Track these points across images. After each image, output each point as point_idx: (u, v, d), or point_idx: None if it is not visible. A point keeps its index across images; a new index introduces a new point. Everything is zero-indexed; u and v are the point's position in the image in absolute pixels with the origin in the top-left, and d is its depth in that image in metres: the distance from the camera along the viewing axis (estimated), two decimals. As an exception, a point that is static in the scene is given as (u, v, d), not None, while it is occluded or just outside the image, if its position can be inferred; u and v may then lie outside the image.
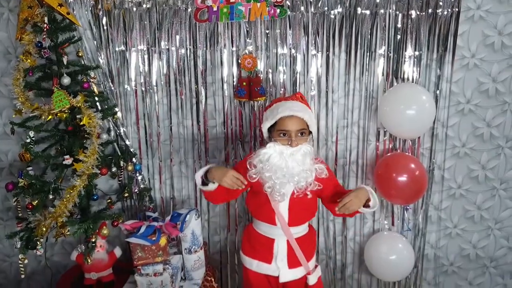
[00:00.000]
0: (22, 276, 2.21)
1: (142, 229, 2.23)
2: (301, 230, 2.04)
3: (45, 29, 2.09)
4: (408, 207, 2.63)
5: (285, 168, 1.81)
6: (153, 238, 2.19)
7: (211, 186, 1.90)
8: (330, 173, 2.04)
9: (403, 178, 2.35)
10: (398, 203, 2.57)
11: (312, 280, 2.05)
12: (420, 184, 2.40)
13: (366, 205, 1.92)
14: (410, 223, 2.67)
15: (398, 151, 2.56)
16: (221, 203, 2.21)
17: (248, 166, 1.91)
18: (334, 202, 1.93)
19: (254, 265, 2.08)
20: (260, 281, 2.08)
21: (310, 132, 1.93)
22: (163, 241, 2.22)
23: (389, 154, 2.54)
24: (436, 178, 2.61)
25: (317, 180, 1.91)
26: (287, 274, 2.02)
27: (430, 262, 2.76)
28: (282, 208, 1.96)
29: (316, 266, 2.12)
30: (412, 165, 2.39)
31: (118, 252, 2.42)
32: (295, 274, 2.03)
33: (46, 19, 2.10)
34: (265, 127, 1.95)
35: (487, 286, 2.82)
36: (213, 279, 2.45)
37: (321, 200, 2.10)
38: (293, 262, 2.01)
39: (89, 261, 2.27)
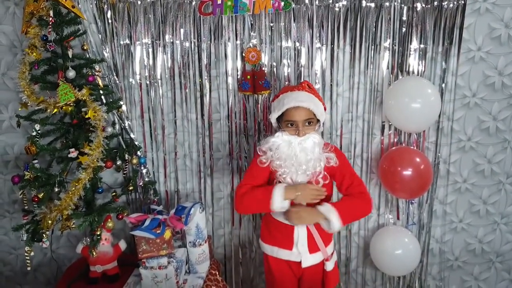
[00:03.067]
0: (28, 268, 2.22)
1: (147, 222, 2.24)
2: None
3: (50, 23, 2.10)
4: (413, 201, 2.61)
5: (294, 157, 1.86)
6: (157, 231, 2.20)
7: (286, 204, 1.89)
8: (344, 162, 2.03)
9: (408, 172, 2.34)
10: (403, 197, 2.55)
11: (330, 266, 2.08)
12: (425, 178, 2.38)
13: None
14: (415, 218, 2.66)
15: (403, 145, 2.55)
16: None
17: (258, 151, 1.96)
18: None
19: (275, 251, 2.10)
20: (281, 267, 2.10)
21: (318, 121, 1.95)
22: (167, 234, 2.22)
23: (394, 148, 2.53)
24: (442, 172, 2.60)
25: (327, 169, 1.94)
26: (308, 259, 2.05)
27: (435, 257, 2.75)
28: None
29: (332, 253, 2.13)
30: (417, 159, 2.38)
31: (123, 245, 2.42)
32: (316, 258, 2.06)
33: (51, 12, 2.10)
34: (273, 117, 1.98)
35: (493, 281, 2.80)
36: (217, 273, 2.46)
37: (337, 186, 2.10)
38: (313, 247, 2.04)
39: (94, 254, 2.28)
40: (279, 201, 1.86)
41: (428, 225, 2.67)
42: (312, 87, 2.02)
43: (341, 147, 2.58)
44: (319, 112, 1.91)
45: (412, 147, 2.53)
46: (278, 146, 1.88)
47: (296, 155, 1.86)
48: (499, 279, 2.80)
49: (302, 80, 2.47)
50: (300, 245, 2.03)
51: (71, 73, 2.14)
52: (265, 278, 2.24)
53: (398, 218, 2.67)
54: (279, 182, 1.96)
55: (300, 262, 2.05)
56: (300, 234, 2.02)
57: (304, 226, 2.01)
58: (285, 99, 1.90)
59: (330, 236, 2.14)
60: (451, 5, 2.34)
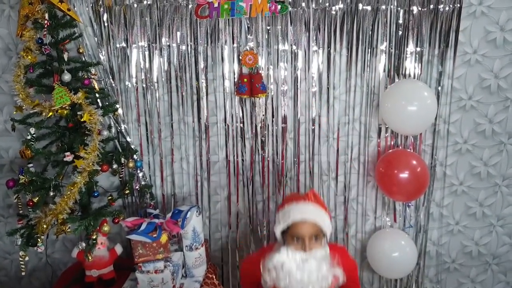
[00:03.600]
0: (23, 273, 2.21)
1: (143, 226, 2.22)
2: None
3: (45, 26, 2.09)
4: (410, 204, 2.61)
5: (300, 276, 1.76)
6: (154, 235, 2.19)
7: None
8: (353, 270, 1.98)
9: (404, 175, 2.34)
10: (399, 200, 2.56)
11: None
12: (422, 181, 2.39)
13: None
14: (412, 220, 2.66)
15: (400, 147, 2.56)
16: None
17: (262, 270, 1.86)
18: None
19: None
20: None
21: (324, 235, 1.86)
22: (164, 238, 2.21)
23: (390, 150, 2.53)
24: (438, 174, 2.60)
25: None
26: None
27: (432, 259, 2.76)
28: None
29: None
30: (414, 162, 2.38)
31: (119, 249, 2.40)
32: None
33: (46, 15, 2.09)
34: (277, 230, 1.89)
35: (490, 283, 2.81)
36: (214, 276, 2.45)
37: None
38: None
39: (90, 258, 2.26)
40: None
41: (425, 227, 2.67)
42: (317, 196, 1.96)
43: (338, 150, 2.58)
44: (326, 226, 1.84)
45: (408, 150, 2.53)
46: (283, 264, 1.78)
47: (302, 274, 1.75)
48: (496, 281, 2.80)
49: (299, 83, 2.48)
50: None
51: (67, 77, 2.13)
52: None
53: (395, 221, 2.68)
54: None
55: None
56: None
57: None
58: (291, 211, 1.83)
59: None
60: (447, 8, 2.35)
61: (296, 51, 2.44)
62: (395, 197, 2.52)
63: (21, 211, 2.24)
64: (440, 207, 2.66)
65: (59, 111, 2.10)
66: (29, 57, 2.11)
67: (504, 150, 2.57)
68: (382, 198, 2.65)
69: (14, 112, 2.12)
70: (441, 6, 2.35)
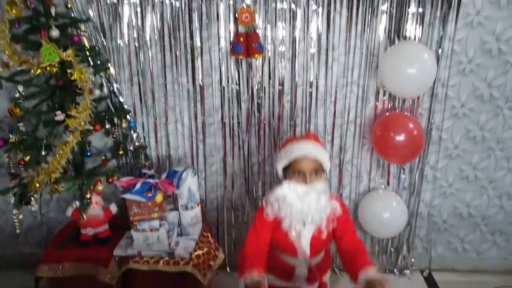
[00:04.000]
0: (18, 231, 2.22)
1: (138, 186, 2.22)
2: (320, 256, 2.07)
3: (30, -22, 1.98)
4: (404, 166, 2.63)
5: (300, 207, 1.84)
6: (149, 195, 2.19)
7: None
8: (347, 217, 2.01)
9: (400, 138, 2.34)
10: (394, 162, 2.57)
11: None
12: (418, 144, 2.39)
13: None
14: (406, 182, 2.69)
15: (397, 110, 2.53)
16: None
17: (264, 204, 1.92)
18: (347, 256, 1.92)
19: (271, 279, 2.03)
20: None
21: (324, 170, 1.93)
22: (159, 197, 2.22)
23: (387, 113, 2.51)
24: (434, 138, 2.60)
25: (331, 219, 1.92)
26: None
27: (423, 220, 2.81)
28: (305, 246, 1.96)
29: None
30: (410, 125, 2.37)
31: (113, 208, 2.42)
32: (314, 286, 2.07)
33: (32, -33, 1.97)
34: (279, 167, 1.96)
35: (477, 243, 2.89)
36: (209, 235, 2.48)
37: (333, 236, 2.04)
38: (312, 279, 2.04)
39: (84, 217, 2.27)
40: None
41: (418, 189, 2.70)
42: (317, 138, 2.03)
43: (335, 112, 2.55)
44: (326, 162, 1.90)
45: (406, 113, 2.52)
46: (285, 196, 1.86)
47: (303, 204, 1.84)
48: (484, 241, 2.88)
49: (297, 44, 2.41)
50: (299, 280, 2.04)
51: (55, 33, 2.04)
52: None
53: (388, 183, 2.70)
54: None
55: None
56: (301, 273, 2.02)
57: (305, 267, 2.01)
58: (294, 149, 1.89)
59: (329, 267, 2.17)
60: (452, -33, 2.26)
61: (294, 9, 2.35)
62: (390, 160, 2.53)
63: (12, 171, 2.22)
64: (434, 170, 2.69)
65: (48, 68, 2.03)
66: (14, 11, 2.00)
67: (500, 114, 2.56)
68: (377, 160, 2.67)
69: (0, 69, 2.04)
70: (445, -35, 2.26)
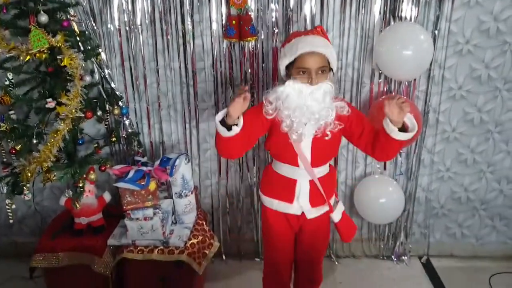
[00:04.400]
0: (11, 221, 2.20)
1: (131, 174, 2.19)
2: (323, 169, 1.97)
3: (17, -39, 1.94)
4: (401, 151, 2.59)
5: (305, 106, 1.72)
6: (142, 183, 2.16)
7: (235, 129, 1.71)
8: (357, 112, 1.93)
9: (397, 121, 2.30)
10: (391, 146, 2.53)
11: (337, 217, 2.03)
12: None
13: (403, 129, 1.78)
14: (403, 167, 2.66)
15: (393, 93, 2.49)
16: (238, 156, 2.02)
17: (264, 101, 1.81)
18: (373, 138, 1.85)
19: (274, 204, 2.02)
20: (280, 219, 2.04)
21: (331, 69, 1.81)
22: (152, 185, 2.19)
23: (383, 96, 2.47)
24: (431, 121, 2.57)
25: (339, 119, 1.81)
26: (311, 212, 1.99)
27: (421, 205, 2.79)
28: (305, 149, 1.86)
29: (337, 202, 2.07)
30: (407, 108, 2.33)
31: (107, 196, 2.40)
32: (318, 211, 2.00)
33: (18, -51, 1.94)
34: (282, 64, 1.81)
35: (476, 228, 2.86)
36: (204, 223, 2.47)
37: (352, 140, 1.96)
38: (315, 200, 1.97)
39: (77, 206, 2.26)
40: (220, 126, 1.70)
41: (416, 174, 2.67)
42: (325, 32, 1.86)
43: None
44: (333, 59, 1.78)
45: (402, 96, 2.47)
46: (287, 95, 1.73)
47: (306, 104, 1.72)
48: (482, 226, 2.85)
49: (291, 26, 2.36)
50: (302, 198, 1.96)
51: (43, 18, 2.00)
52: (262, 228, 2.19)
53: (385, 168, 2.67)
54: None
55: (299, 216, 2.00)
56: (302, 187, 1.95)
57: (307, 179, 1.93)
58: (299, 44, 1.74)
59: (333, 188, 2.08)
60: None
61: (288, -10, 2.31)
62: (386, 144, 2.49)
63: (5, 159, 2.20)
64: (432, 154, 2.65)
65: (37, 55, 2.00)
66: (2, -4, 1.97)
67: (499, 96, 2.52)
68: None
69: (-11, 56, 2.02)
70: None
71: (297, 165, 1.91)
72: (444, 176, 2.72)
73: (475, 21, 2.36)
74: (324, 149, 1.89)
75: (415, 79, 2.46)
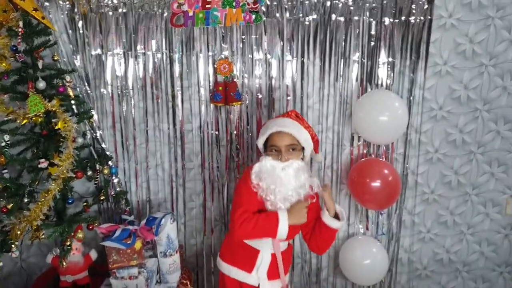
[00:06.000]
0: (-3, 279, 2.22)
1: (117, 233, 2.23)
2: (285, 244, 2.07)
3: (20, 33, 2.10)
4: (382, 212, 2.66)
5: (279, 182, 1.85)
6: (128, 242, 2.20)
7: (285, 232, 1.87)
8: (318, 204, 2.07)
9: (376, 184, 2.39)
10: (371, 208, 2.60)
11: None
12: (393, 190, 2.43)
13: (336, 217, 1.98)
14: (384, 228, 2.70)
15: (372, 156, 2.60)
16: None
17: (251, 176, 1.93)
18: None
19: (232, 272, 2.09)
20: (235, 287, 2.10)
21: (303, 148, 1.95)
22: (138, 244, 2.23)
23: (362, 159, 2.57)
24: (410, 183, 2.65)
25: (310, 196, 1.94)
26: (266, 286, 2.03)
27: (404, 266, 2.80)
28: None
29: (287, 285, 2.13)
30: (386, 171, 2.42)
31: (93, 254, 2.41)
32: (273, 286, 2.05)
33: (21, 23, 2.09)
34: (259, 143, 2.00)
35: (460, 290, 2.87)
36: (188, 282, 2.46)
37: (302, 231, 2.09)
38: (272, 274, 2.03)
39: (64, 264, 2.27)
40: (284, 228, 1.84)
41: (397, 235, 2.71)
42: (299, 115, 2.05)
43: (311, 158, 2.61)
44: (303, 138, 1.91)
45: (380, 159, 2.58)
46: (264, 173, 1.88)
47: (282, 181, 1.85)
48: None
49: (273, 92, 2.51)
50: (261, 270, 2.02)
51: (41, 84, 2.14)
52: None
53: (367, 229, 2.72)
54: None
55: (256, 287, 2.05)
56: (264, 258, 2.02)
57: (269, 251, 2.01)
58: (270, 125, 1.94)
59: (289, 264, 2.17)
60: (418, 20, 2.40)
61: (270, 60, 2.47)
62: (367, 205, 2.56)
63: (-6, 217, 2.25)
64: (412, 215, 2.71)
65: (33, 118, 2.11)
66: (4, 64, 2.11)
67: (474, 159, 2.62)
68: (355, 205, 2.69)
69: (-12, 119, 2.13)
70: (412, 18, 2.40)
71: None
72: (426, 237, 2.76)
73: (447, 89, 2.51)
74: (295, 225, 1.95)
75: (393, 142, 2.57)
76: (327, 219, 1.94)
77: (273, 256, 2.02)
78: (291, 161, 1.86)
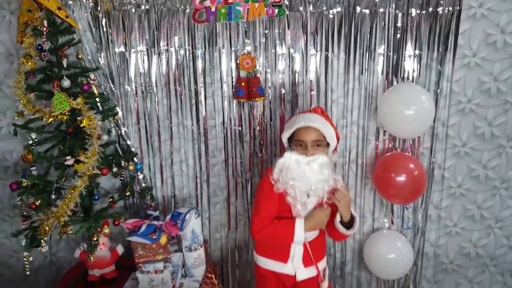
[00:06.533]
0: (27, 273, 2.27)
1: (143, 228, 2.27)
2: (315, 233, 2.11)
3: (44, 33, 2.12)
4: (407, 206, 2.62)
5: (304, 177, 1.88)
6: (153, 237, 2.23)
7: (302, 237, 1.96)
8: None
9: (401, 179, 2.36)
10: (397, 203, 2.57)
11: (325, 286, 2.13)
12: (419, 185, 2.40)
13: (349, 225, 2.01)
14: (410, 222, 2.68)
15: (398, 150, 2.56)
16: None
17: (273, 182, 1.96)
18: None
19: (268, 264, 2.14)
20: (272, 279, 2.14)
21: (328, 144, 1.97)
22: (163, 239, 2.26)
23: (388, 154, 2.54)
24: (436, 177, 2.61)
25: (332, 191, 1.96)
26: (303, 272, 2.09)
27: (429, 260, 2.78)
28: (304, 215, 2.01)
29: (325, 269, 2.16)
30: (411, 165, 2.39)
31: (120, 249, 2.45)
32: (310, 272, 2.10)
33: (45, 22, 2.12)
34: (284, 137, 2.02)
35: (487, 284, 2.82)
36: (213, 276, 2.49)
37: None
38: (308, 261, 2.08)
39: (91, 259, 2.32)
40: (301, 236, 1.93)
41: (423, 229, 2.68)
42: (325, 112, 2.06)
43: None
44: (329, 135, 1.94)
45: (406, 153, 2.54)
46: (288, 167, 1.90)
47: (305, 175, 1.88)
48: (493, 282, 2.82)
49: (297, 87, 2.49)
50: (296, 259, 2.07)
51: (66, 83, 2.16)
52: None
53: (392, 223, 2.69)
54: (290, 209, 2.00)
55: (292, 276, 2.09)
56: (297, 250, 2.06)
57: (302, 243, 2.04)
58: (297, 120, 1.96)
59: (323, 252, 2.19)
60: (446, 11, 2.33)
61: (293, 54, 2.44)
62: (392, 200, 2.53)
63: (24, 213, 2.29)
64: (438, 209, 2.67)
65: (59, 116, 2.14)
66: (29, 63, 2.14)
67: (503, 153, 2.56)
68: (380, 200, 2.67)
69: (16, 118, 2.17)
70: (440, 9, 2.33)
71: None
72: (452, 231, 2.72)
73: (475, 81, 2.44)
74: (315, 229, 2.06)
75: (419, 137, 2.52)
76: (337, 224, 1.99)
77: (305, 245, 2.06)
78: (316, 156, 1.88)
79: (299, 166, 1.88)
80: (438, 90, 2.45)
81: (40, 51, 2.14)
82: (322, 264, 2.13)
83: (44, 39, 2.13)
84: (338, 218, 1.98)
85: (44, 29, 2.12)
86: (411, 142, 2.54)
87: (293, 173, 1.88)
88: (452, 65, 2.41)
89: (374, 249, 2.61)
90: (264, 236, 1.98)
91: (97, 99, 2.38)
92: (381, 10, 2.35)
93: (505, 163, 2.57)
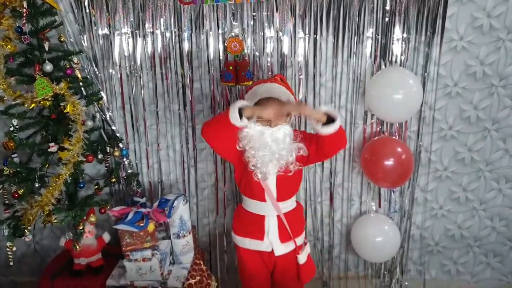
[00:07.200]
0: (11, 263, 2.22)
1: (130, 216, 2.23)
2: (288, 204, 2.11)
3: (24, 14, 2.03)
4: (394, 189, 2.65)
5: (267, 147, 1.89)
6: (141, 224, 2.20)
7: (245, 122, 1.80)
8: (309, 136, 2.05)
9: (389, 162, 2.37)
10: (384, 186, 2.59)
11: (302, 259, 2.12)
12: (406, 168, 2.42)
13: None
14: (397, 205, 2.70)
15: (386, 134, 2.57)
16: (214, 145, 1.98)
17: (238, 148, 1.96)
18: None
19: (246, 243, 2.14)
20: (253, 257, 2.15)
21: (289, 114, 1.95)
22: (151, 227, 2.23)
23: (375, 138, 2.54)
24: (423, 160, 2.63)
25: (299, 159, 1.98)
26: (280, 248, 2.09)
27: (416, 243, 2.82)
28: (271, 185, 2.01)
29: (305, 244, 2.16)
30: (399, 149, 2.41)
31: (106, 237, 2.42)
32: (288, 247, 2.10)
33: (25, 3, 2.03)
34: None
35: (471, 265, 2.88)
36: (201, 262, 2.48)
37: (311, 159, 2.04)
38: (284, 236, 2.08)
39: (77, 248, 2.28)
40: (236, 112, 1.76)
41: (409, 212, 2.71)
42: (284, 80, 2.06)
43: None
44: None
45: (394, 137, 2.55)
46: (252, 137, 1.91)
47: (269, 145, 1.89)
48: (477, 262, 2.88)
49: (285, 70, 2.46)
50: (271, 235, 2.07)
51: (48, 67, 2.09)
52: (238, 269, 2.28)
53: (379, 206, 2.72)
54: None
55: (271, 252, 2.10)
56: (271, 223, 2.07)
57: (275, 215, 2.05)
58: (257, 90, 1.95)
59: (301, 225, 2.18)
60: (434, -5, 2.32)
61: (282, 37, 2.41)
62: (380, 184, 2.55)
63: (7, 201, 2.23)
64: (425, 192, 2.71)
65: (41, 102, 2.07)
66: (9, 46, 2.06)
67: (488, 136, 2.59)
68: (368, 183, 2.69)
69: (-4, 103, 2.09)
70: (428, -8, 2.32)
71: (265, 200, 2.04)
72: (438, 213, 2.76)
73: (462, 65, 2.46)
74: (288, 185, 2.05)
75: (406, 120, 2.53)
76: (322, 129, 1.82)
77: (279, 218, 2.07)
78: (279, 126, 1.90)
79: (262, 136, 1.89)
80: (426, 73, 2.46)
81: (20, 33, 2.06)
82: (300, 239, 2.13)
83: (24, 21, 2.05)
84: (318, 125, 1.82)
85: (24, 10, 2.04)
86: (398, 126, 2.55)
87: (256, 143, 1.90)
88: (439, 49, 2.41)
89: (362, 233, 2.63)
90: (208, 124, 1.90)
91: (81, 84, 2.31)
92: (370, -8, 2.34)
93: (489, 146, 2.61)
